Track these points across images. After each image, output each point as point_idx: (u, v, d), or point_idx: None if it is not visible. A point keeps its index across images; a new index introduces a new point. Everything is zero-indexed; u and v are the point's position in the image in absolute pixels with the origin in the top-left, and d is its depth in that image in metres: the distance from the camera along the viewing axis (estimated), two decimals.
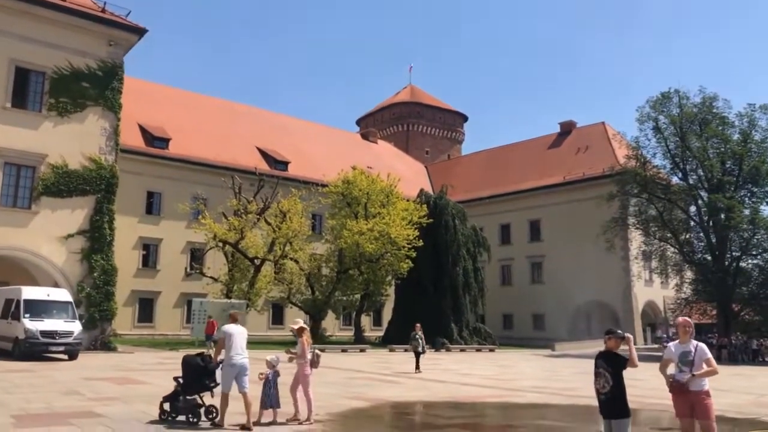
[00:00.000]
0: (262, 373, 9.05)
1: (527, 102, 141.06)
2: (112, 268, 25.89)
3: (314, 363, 9.63)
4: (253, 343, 32.82)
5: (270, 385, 8.92)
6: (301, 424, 9.00)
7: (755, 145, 36.73)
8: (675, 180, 39.86)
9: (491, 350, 39.01)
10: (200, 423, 8.67)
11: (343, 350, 32.01)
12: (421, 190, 44.94)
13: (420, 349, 20.73)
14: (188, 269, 37.45)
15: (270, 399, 8.88)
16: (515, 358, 31.55)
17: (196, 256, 40.92)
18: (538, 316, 52.16)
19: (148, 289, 39.82)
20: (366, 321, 44.89)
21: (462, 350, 37.08)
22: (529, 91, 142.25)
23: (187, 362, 8.89)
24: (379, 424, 9.27)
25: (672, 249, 40.44)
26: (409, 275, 37.44)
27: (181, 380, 8.84)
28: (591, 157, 51.93)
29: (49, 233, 24.73)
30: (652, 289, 51.01)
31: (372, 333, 44.56)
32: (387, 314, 44.80)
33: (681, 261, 40.12)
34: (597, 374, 5.93)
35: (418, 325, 22.18)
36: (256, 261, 35.06)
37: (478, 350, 38.34)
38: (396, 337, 37.21)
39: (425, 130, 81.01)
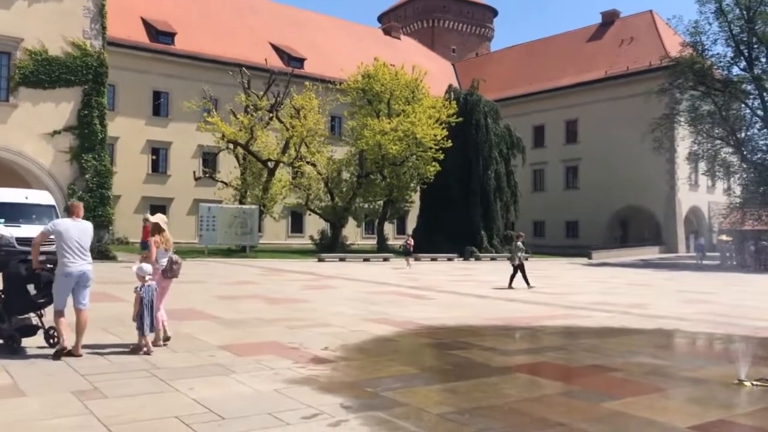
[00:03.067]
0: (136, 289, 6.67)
1: None
2: (106, 169, 23.28)
3: (169, 272, 7.10)
4: (272, 251, 30.92)
5: (143, 305, 6.52)
6: (148, 353, 6.46)
7: None
8: (736, 71, 35.36)
9: (525, 259, 36.38)
10: (27, 349, 6.52)
11: (365, 259, 29.66)
12: (450, 86, 41.08)
13: (516, 261, 16.81)
14: (197, 174, 34.77)
15: (141, 320, 6.53)
16: (555, 268, 28.89)
17: (208, 160, 38.26)
18: (572, 223, 49.24)
19: (160, 195, 37.71)
20: (389, 229, 42.40)
21: (492, 259, 34.55)
22: None
23: (6, 273, 6.52)
24: (415, 367, 6.51)
25: (726, 149, 36.54)
26: (436, 179, 34.43)
27: (2, 296, 6.56)
28: (637, 50, 46.99)
29: (32, 130, 21.97)
30: (697, 194, 47.48)
31: (396, 241, 42.12)
32: (411, 222, 42.21)
33: (739, 161, 36.31)
34: None
35: (521, 234, 18.86)
36: (269, 164, 32.23)
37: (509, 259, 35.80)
38: (421, 245, 34.83)
39: (452, 25, 75.23)
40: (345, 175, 36.67)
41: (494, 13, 79.57)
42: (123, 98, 36.68)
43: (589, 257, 37.68)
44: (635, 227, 48.57)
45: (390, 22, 67.15)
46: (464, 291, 15.59)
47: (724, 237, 39.49)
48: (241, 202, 31.97)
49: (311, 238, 36.64)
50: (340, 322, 9.22)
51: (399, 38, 60.36)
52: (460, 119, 34.82)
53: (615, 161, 45.03)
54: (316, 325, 8.94)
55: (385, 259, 30.39)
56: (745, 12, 33.59)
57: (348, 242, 36.16)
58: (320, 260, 27.61)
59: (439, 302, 12.89)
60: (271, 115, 32.11)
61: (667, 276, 25.34)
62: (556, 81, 50.63)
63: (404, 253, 28.14)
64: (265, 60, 36.08)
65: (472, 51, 74.18)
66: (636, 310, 12.07)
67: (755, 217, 37.84)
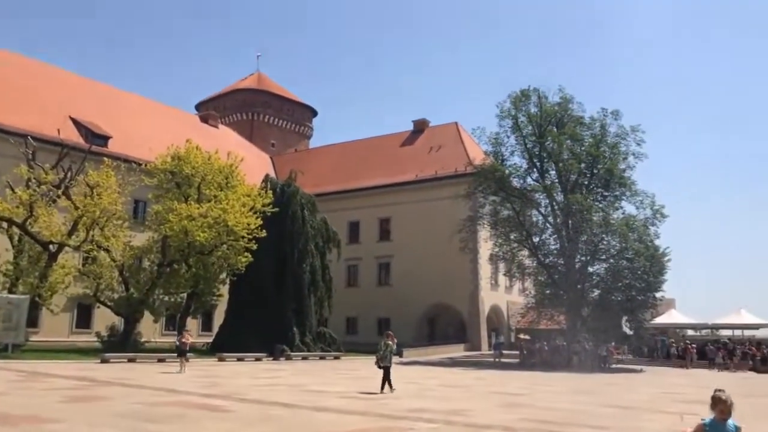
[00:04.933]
0: None
1: (379, 101, 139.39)
2: None
3: None
4: (47, 352, 25.75)
5: None
6: None
7: (608, 148, 36.57)
8: (530, 181, 38.83)
9: (336, 357, 34.97)
10: None
11: (160, 360, 26.02)
12: (267, 176, 39.86)
13: (389, 363, 15.73)
14: None
15: None
16: (367, 368, 27.68)
17: None
18: (384, 320, 49.09)
19: None
20: (193, 325, 38.66)
21: (304, 358, 32.65)
22: (382, 88, 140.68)
23: None
24: None
25: (523, 252, 39.35)
26: (248, 271, 32.27)
27: None
28: (444, 156, 50.35)
29: None
30: (497, 293, 50.39)
31: (201, 339, 38.38)
32: (219, 317, 38.89)
33: (533, 264, 39.15)
34: None
35: (390, 333, 17.10)
36: (51, 247, 27.81)
37: (322, 358, 34.16)
38: (228, 343, 31.94)
39: (272, 120, 75.36)
40: (145, 263, 33.01)
41: (314, 113, 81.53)
42: None
43: (401, 355, 37.30)
44: (442, 325, 49.86)
45: (208, 111, 65.40)
46: (270, 399, 13.56)
47: (522, 336, 41.75)
48: (11, 291, 26.89)
49: (97, 334, 31.82)
50: None
51: (217, 127, 58.68)
52: (276, 209, 33.51)
53: (425, 260, 46.49)
54: None
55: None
56: (537, 129, 37.41)
57: (143, 340, 31.92)
58: (104, 361, 23.59)
59: (239, 416, 10.78)
60: (58, 191, 28.07)
61: (475, 375, 25.41)
62: (370, 180, 52.09)
63: (178, 353, 22.81)
64: (58, 131, 32.09)
65: (292, 147, 74.59)
66: (458, 418, 11.07)
67: (548, 317, 40.70)
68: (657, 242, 35.51)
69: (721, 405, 4.72)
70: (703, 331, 48.95)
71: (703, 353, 37.76)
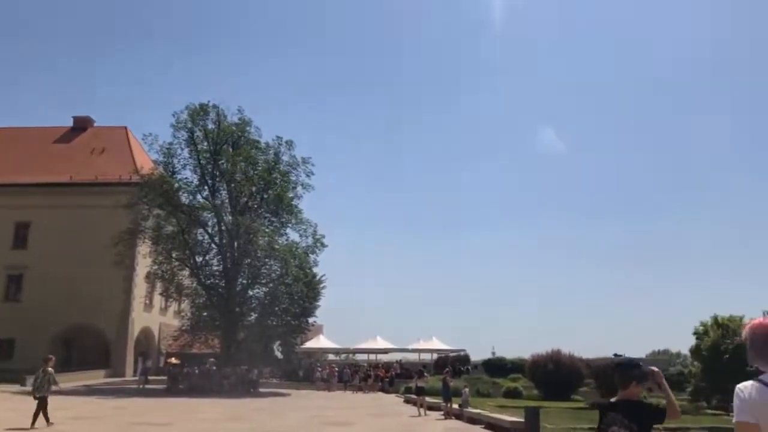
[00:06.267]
0: None
1: (30, 85, 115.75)
2: None
3: None
4: None
5: None
6: None
7: (279, 175, 37.46)
8: (200, 198, 37.40)
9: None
10: None
11: None
12: None
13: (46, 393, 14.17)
14: None
15: None
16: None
17: None
18: (7, 342, 41.44)
19: None
20: None
21: None
22: (35, 69, 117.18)
23: None
24: None
25: (185, 271, 37.49)
26: None
27: None
28: (108, 161, 45.60)
29: None
30: (151, 315, 47.12)
31: None
32: None
33: (193, 284, 37.52)
34: None
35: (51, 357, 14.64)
36: None
37: None
38: None
39: None
40: None
41: None
42: None
43: (23, 383, 31.53)
44: (83, 348, 44.20)
45: None
46: None
47: (172, 360, 39.41)
48: None
49: None
50: None
51: None
52: None
53: (70, 274, 40.78)
54: None
55: None
56: (213, 146, 36.42)
57: None
58: None
59: None
60: None
61: (115, 405, 22.69)
62: (12, 176, 44.09)
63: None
64: None
65: None
66: None
67: (202, 341, 39.33)
68: (315, 270, 37.44)
69: None
70: (343, 355, 53.23)
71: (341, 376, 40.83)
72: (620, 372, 3.73)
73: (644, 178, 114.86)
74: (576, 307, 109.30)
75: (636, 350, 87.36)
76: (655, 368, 3.79)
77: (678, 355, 56.81)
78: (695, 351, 30.40)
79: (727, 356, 26.94)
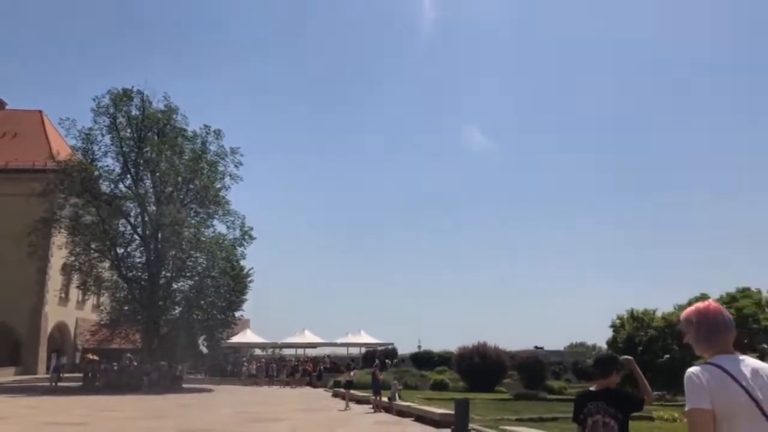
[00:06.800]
0: None
1: None
2: None
3: None
4: None
5: None
6: None
7: (207, 165, 36.40)
8: (123, 187, 35.80)
9: None
10: None
11: None
12: None
13: None
14: None
15: None
16: None
17: None
18: None
19: None
20: None
21: None
22: None
23: None
24: None
25: (105, 263, 35.83)
26: None
27: None
28: (20, 146, 43.00)
29: None
30: (67, 309, 44.95)
31: None
32: None
33: (113, 277, 35.93)
34: (595, 425, 3.92)
35: None
36: None
37: None
38: None
39: None
40: None
41: None
42: None
43: None
44: None
45: None
46: None
47: (89, 356, 37.64)
48: None
49: None
50: None
51: None
52: None
53: None
54: None
55: None
56: (137, 133, 34.93)
57: None
58: None
59: None
60: None
61: (27, 404, 21.43)
62: None
63: None
64: None
65: None
66: None
67: (123, 336, 37.79)
68: (243, 262, 36.64)
69: None
70: (270, 350, 52.44)
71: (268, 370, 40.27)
72: (601, 365, 4.17)
73: (556, 177, 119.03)
74: (499, 302, 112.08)
75: (555, 343, 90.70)
76: (629, 357, 4.39)
77: (593, 347, 59.37)
78: (612, 343, 31.76)
79: (641, 348, 28.38)
